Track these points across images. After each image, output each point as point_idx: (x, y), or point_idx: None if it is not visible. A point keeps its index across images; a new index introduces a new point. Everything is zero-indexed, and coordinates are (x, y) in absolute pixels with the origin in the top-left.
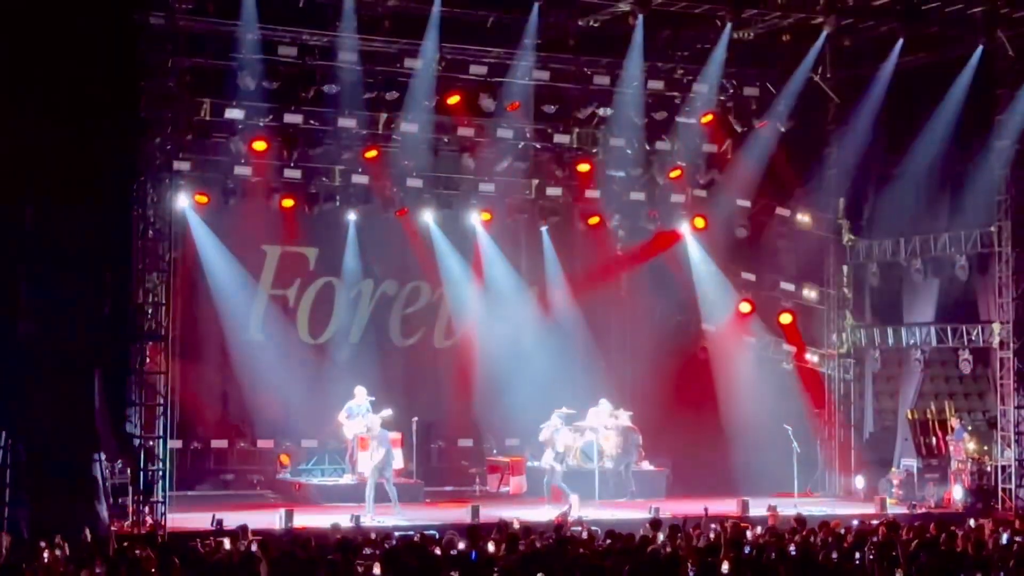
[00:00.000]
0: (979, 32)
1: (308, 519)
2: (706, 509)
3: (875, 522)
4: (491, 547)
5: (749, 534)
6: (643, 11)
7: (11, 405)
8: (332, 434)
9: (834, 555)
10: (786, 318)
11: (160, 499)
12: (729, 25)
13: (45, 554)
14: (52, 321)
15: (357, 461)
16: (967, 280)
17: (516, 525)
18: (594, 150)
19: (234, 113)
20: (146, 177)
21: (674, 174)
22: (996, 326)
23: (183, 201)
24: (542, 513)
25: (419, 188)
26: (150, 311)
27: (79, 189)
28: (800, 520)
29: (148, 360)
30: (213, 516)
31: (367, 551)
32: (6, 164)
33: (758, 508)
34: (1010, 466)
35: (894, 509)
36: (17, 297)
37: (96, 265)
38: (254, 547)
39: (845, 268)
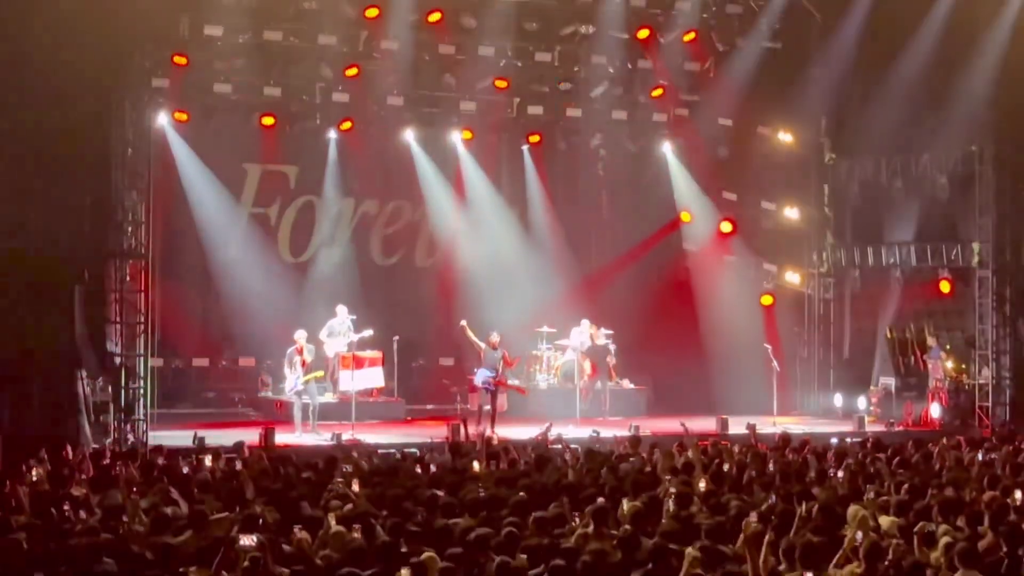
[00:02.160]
0: None
1: (290, 437)
2: (684, 424)
3: (853, 440)
4: (476, 465)
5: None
6: None
7: None
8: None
9: (812, 474)
10: (767, 238)
11: (141, 417)
12: None
13: (34, 473)
14: (32, 240)
15: (339, 380)
16: (947, 200)
17: (495, 442)
18: (576, 68)
19: (213, 30)
20: (124, 95)
21: (656, 93)
22: (976, 246)
23: (162, 119)
24: (523, 432)
25: (400, 106)
26: (130, 229)
27: (56, 106)
28: (784, 438)
29: (128, 278)
30: (195, 434)
31: (347, 468)
32: None
33: (737, 426)
34: (987, 384)
35: (872, 427)
36: None
37: (75, 183)
38: (237, 464)
39: (826, 187)
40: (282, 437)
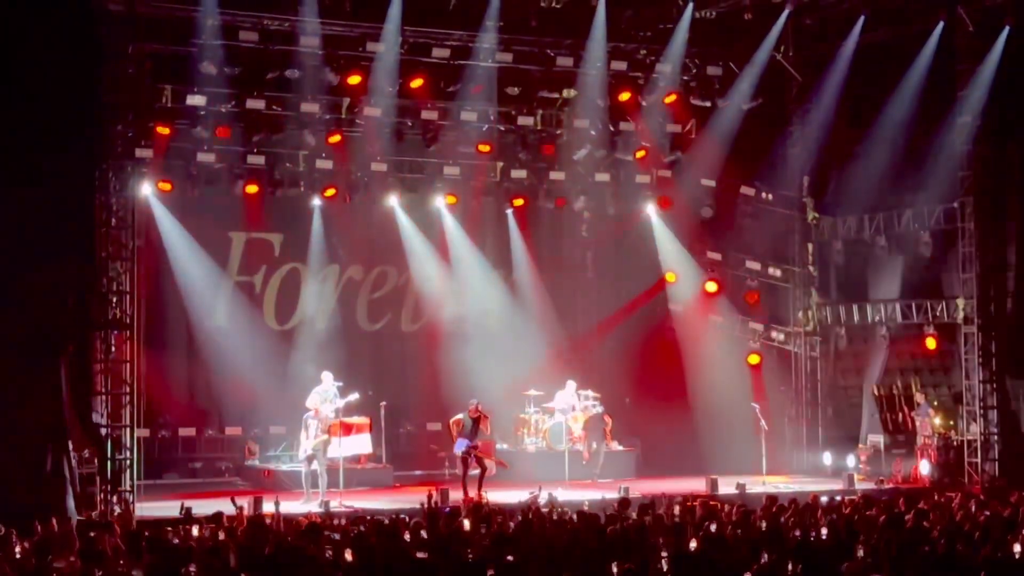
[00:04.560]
0: (939, 7)
1: (292, 505)
2: (664, 493)
3: (839, 498)
4: (466, 524)
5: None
6: None
7: None
8: (300, 420)
9: (798, 532)
10: (752, 297)
11: (128, 488)
12: (691, 4)
13: (17, 548)
14: (16, 311)
15: (327, 446)
16: (931, 256)
17: (485, 504)
18: (558, 132)
19: (196, 99)
20: (108, 165)
21: (639, 154)
22: (960, 301)
23: (146, 189)
24: (512, 495)
25: (384, 172)
26: (115, 300)
27: (40, 177)
28: (771, 498)
29: (114, 349)
30: (182, 504)
31: (335, 536)
32: None
33: (727, 486)
34: (976, 440)
35: (861, 485)
36: None
37: (59, 254)
38: (220, 535)
39: (810, 246)
40: (286, 505)
